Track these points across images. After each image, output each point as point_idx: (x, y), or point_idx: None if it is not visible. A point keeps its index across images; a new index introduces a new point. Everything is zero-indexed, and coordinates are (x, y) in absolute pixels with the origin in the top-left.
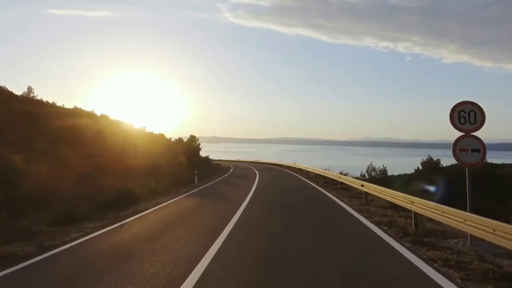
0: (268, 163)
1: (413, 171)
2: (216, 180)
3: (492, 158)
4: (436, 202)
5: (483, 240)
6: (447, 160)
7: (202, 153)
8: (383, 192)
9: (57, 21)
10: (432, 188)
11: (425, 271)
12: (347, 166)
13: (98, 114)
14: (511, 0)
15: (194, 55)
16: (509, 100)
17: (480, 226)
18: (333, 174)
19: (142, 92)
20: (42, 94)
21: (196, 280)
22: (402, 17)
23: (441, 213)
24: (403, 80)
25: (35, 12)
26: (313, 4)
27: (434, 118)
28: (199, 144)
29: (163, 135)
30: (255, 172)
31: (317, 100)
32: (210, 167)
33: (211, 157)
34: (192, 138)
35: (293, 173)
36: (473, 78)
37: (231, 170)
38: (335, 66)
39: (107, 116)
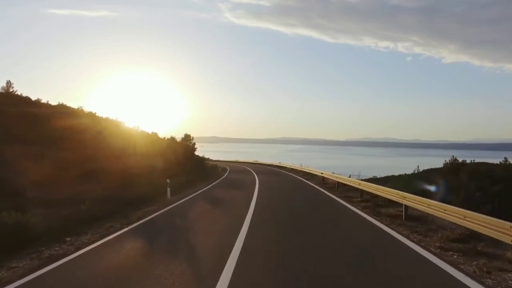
0: (269, 165)
1: (414, 171)
2: (200, 191)
3: (492, 158)
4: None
5: None
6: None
7: (200, 154)
8: None
9: (57, 21)
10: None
11: None
12: (355, 167)
13: (86, 112)
14: (511, 0)
15: (194, 55)
16: (509, 100)
17: None
18: (385, 190)
19: (142, 92)
20: (42, 94)
21: None
22: (402, 17)
23: None
24: (404, 80)
25: (35, 12)
26: (313, 4)
27: (434, 118)
28: (194, 143)
29: (156, 134)
30: (254, 178)
31: (317, 100)
32: (203, 170)
33: (210, 157)
34: (187, 138)
35: (304, 180)
36: (473, 78)
37: (226, 174)
38: (335, 66)
39: (95, 113)
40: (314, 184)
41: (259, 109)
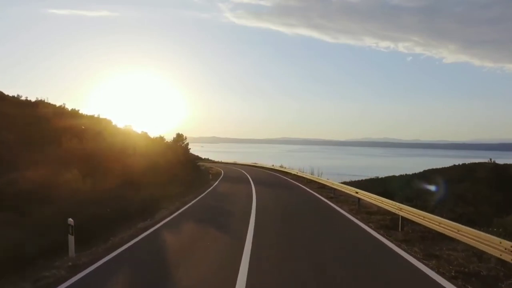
0: (270, 169)
1: (415, 171)
2: (150, 231)
3: (493, 158)
4: None
5: None
6: (449, 160)
7: (200, 154)
8: None
9: (57, 21)
10: None
11: None
12: (355, 167)
13: (68, 109)
14: (511, 0)
15: (194, 55)
16: (509, 100)
17: None
18: None
19: (142, 92)
20: (42, 94)
21: None
22: (402, 17)
23: None
24: (404, 80)
25: (35, 12)
26: (314, 3)
27: (434, 118)
28: (187, 144)
29: (146, 133)
30: (251, 192)
31: (317, 100)
32: (190, 177)
33: (210, 158)
34: (179, 137)
35: (322, 199)
36: (473, 78)
37: (216, 183)
38: (335, 66)
39: (78, 111)
40: (347, 212)
41: (259, 109)
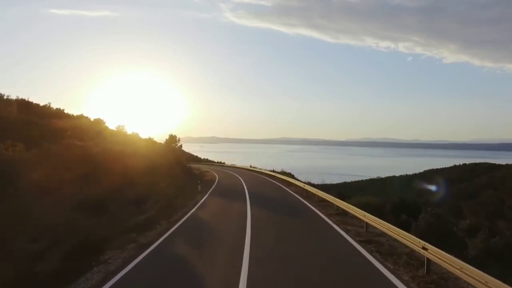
0: (270, 175)
1: (416, 171)
2: None
3: (493, 158)
4: None
5: None
6: (449, 160)
7: (200, 155)
8: None
9: (57, 21)
10: None
11: None
12: (355, 167)
13: (53, 108)
14: (511, 0)
15: (195, 55)
16: (509, 100)
17: None
18: None
19: (142, 92)
20: (42, 94)
21: None
22: (402, 17)
23: None
24: (404, 80)
25: (35, 12)
26: (314, 3)
27: (434, 118)
28: (180, 145)
29: (137, 134)
30: (245, 219)
31: (317, 100)
32: (175, 186)
33: (209, 158)
34: (172, 139)
35: (360, 250)
36: (473, 78)
37: (201, 201)
38: (335, 66)
39: (63, 110)
40: None
41: (259, 109)
